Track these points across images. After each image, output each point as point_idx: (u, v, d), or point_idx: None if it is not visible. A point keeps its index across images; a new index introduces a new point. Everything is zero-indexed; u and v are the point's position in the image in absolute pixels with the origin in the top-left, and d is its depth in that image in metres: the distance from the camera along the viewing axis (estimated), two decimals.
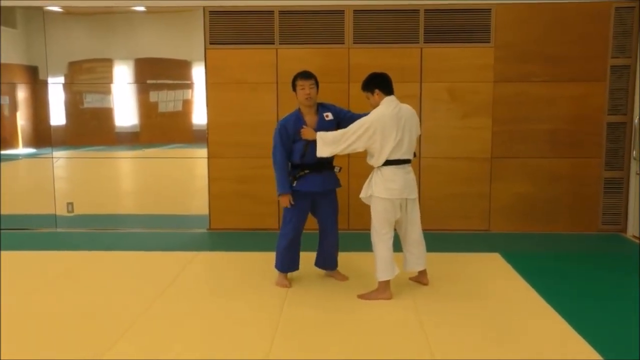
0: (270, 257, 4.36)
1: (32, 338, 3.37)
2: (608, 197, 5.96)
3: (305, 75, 4.12)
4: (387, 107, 3.93)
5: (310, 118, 4.14)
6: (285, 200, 4.11)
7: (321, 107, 4.20)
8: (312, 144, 4.03)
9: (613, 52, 5.77)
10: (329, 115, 4.17)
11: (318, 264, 4.46)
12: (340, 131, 3.98)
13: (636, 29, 5.71)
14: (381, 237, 3.97)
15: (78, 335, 3.39)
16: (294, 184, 4.12)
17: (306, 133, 4.07)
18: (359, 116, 4.06)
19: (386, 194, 3.92)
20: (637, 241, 5.65)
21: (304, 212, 4.22)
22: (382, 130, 3.85)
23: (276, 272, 4.31)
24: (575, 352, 3.17)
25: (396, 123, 3.89)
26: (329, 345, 3.26)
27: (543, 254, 5.18)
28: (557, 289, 4.18)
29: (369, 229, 4.08)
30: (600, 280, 4.45)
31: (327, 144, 3.97)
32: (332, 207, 4.29)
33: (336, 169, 4.25)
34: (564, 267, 4.78)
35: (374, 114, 3.93)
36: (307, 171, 4.11)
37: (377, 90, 3.98)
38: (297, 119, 4.13)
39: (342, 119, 4.21)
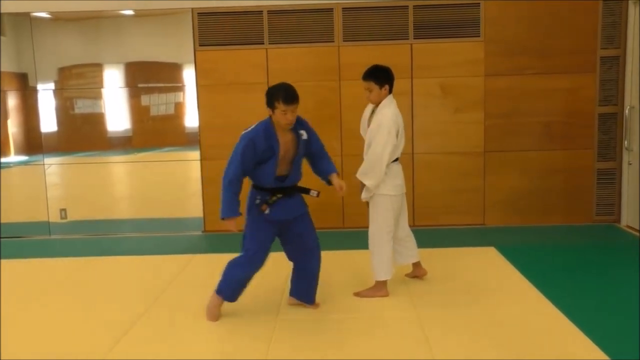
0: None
1: (30, 344, 3.35)
2: (601, 188, 5.98)
3: (290, 99, 3.39)
4: (394, 106, 3.92)
5: (284, 136, 3.50)
6: (232, 224, 3.45)
7: (297, 123, 3.55)
8: (295, 166, 3.58)
9: (602, 43, 5.78)
10: (304, 134, 3.57)
11: (296, 293, 3.83)
12: (375, 153, 3.76)
13: (625, 20, 5.72)
14: (384, 236, 3.92)
15: (76, 341, 3.38)
16: (267, 211, 3.51)
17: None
18: (320, 143, 3.70)
19: (394, 191, 3.93)
20: (631, 231, 5.66)
21: (271, 241, 3.62)
22: (398, 131, 3.87)
23: (215, 294, 3.69)
24: (571, 344, 3.17)
25: (401, 121, 3.93)
26: (327, 345, 3.26)
27: (538, 247, 5.19)
28: (552, 281, 4.19)
29: (364, 227, 4.06)
30: (596, 271, 4.46)
31: (374, 175, 3.78)
32: (310, 224, 3.72)
33: (313, 194, 3.61)
34: (559, 259, 4.79)
35: (389, 117, 3.83)
36: (279, 195, 3.53)
37: (386, 86, 3.89)
38: (268, 136, 3.46)
39: (310, 143, 3.63)
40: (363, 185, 3.92)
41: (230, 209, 3.43)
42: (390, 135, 3.78)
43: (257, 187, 3.55)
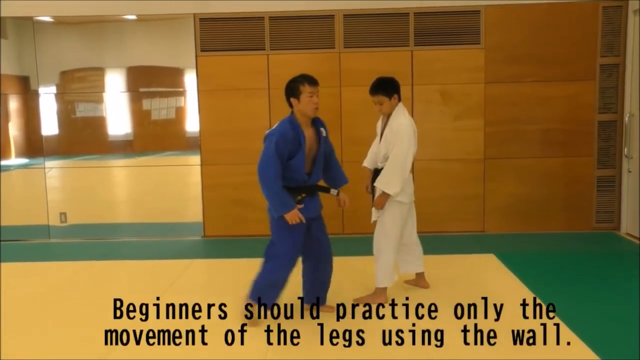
0: None
1: (29, 348, 3.35)
2: (601, 196, 5.98)
3: (314, 80, 3.49)
4: (407, 114, 3.91)
5: (308, 131, 3.53)
6: (295, 216, 3.44)
7: (316, 120, 3.61)
8: (317, 164, 3.59)
9: (602, 51, 5.80)
10: (324, 132, 3.61)
11: (308, 299, 3.83)
12: (398, 161, 3.75)
13: (624, 28, 5.75)
14: (390, 243, 3.90)
15: (74, 344, 3.37)
16: (301, 206, 3.54)
17: (380, 203, 3.76)
18: (332, 146, 3.77)
19: (405, 198, 3.92)
20: (631, 239, 5.66)
21: (302, 242, 3.62)
22: (413, 139, 3.87)
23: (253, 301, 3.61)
24: (571, 352, 3.16)
25: (415, 128, 3.94)
26: (325, 349, 3.25)
27: (538, 254, 5.18)
28: (552, 288, 4.18)
29: (363, 233, 4.06)
30: (596, 279, 4.46)
31: (397, 184, 3.75)
32: (324, 227, 3.75)
33: (333, 192, 3.70)
34: (559, 266, 4.78)
35: (407, 125, 3.83)
36: (304, 195, 3.55)
37: (395, 95, 3.88)
38: (294, 127, 3.46)
39: (326, 143, 3.66)
40: (373, 196, 3.92)
41: (286, 203, 3.44)
42: (410, 142, 3.80)
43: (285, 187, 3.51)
